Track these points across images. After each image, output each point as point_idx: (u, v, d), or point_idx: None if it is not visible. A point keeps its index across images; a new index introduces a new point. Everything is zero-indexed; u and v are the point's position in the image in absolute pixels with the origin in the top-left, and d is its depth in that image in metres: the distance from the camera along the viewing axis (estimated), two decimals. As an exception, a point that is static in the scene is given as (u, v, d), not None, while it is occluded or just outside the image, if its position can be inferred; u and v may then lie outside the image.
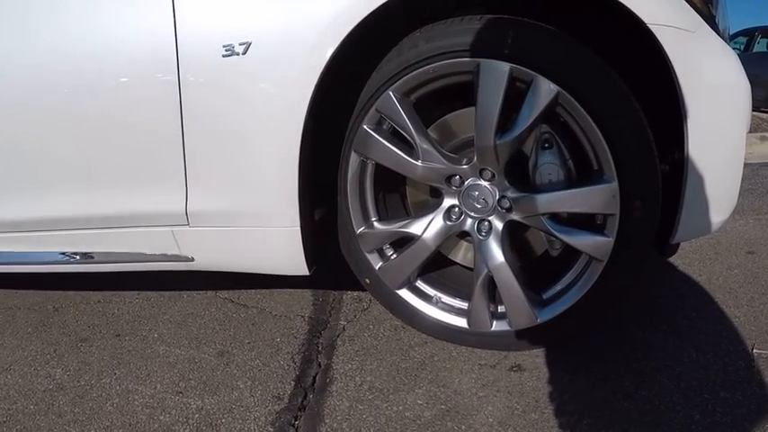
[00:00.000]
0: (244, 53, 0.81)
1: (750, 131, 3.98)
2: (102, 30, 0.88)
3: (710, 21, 0.89)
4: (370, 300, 1.25)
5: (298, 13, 0.80)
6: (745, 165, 2.84)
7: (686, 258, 1.54)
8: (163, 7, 0.83)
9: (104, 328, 1.24)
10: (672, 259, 1.52)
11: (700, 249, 1.63)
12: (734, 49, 4.69)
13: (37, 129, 0.94)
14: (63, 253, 1.05)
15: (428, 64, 0.83)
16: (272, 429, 0.83)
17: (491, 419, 0.83)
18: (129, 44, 0.86)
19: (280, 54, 0.81)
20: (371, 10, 0.78)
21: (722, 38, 0.92)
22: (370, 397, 0.90)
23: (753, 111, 4.21)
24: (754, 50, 6.90)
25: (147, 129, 0.89)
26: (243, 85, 0.83)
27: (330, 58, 0.80)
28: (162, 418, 0.89)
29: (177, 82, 0.85)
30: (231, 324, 1.19)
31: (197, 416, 0.88)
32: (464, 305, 0.99)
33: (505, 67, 0.79)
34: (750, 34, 7.12)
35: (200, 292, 1.38)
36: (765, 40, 6.80)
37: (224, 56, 0.82)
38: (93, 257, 1.03)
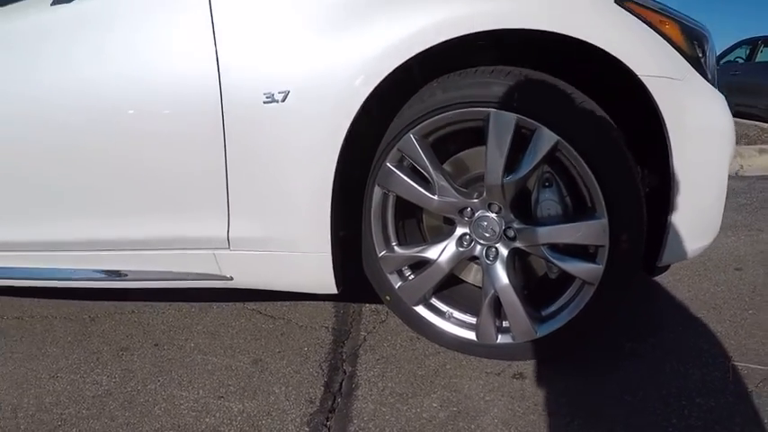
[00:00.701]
0: (283, 100, 0.97)
1: (749, 143, 4.12)
2: (160, 78, 1.03)
3: (697, 64, 1.04)
4: (387, 312, 1.41)
5: (332, 66, 0.96)
6: (743, 178, 3.03)
7: (677, 275, 1.69)
8: (208, 62, 0.98)
9: (142, 338, 1.39)
10: (663, 276, 1.68)
11: (690, 266, 1.78)
12: (736, 59, 4.97)
13: (104, 166, 1.09)
14: (114, 271, 1.20)
15: (444, 112, 0.99)
16: (307, 429, 0.99)
17: (496, 420, 0.98)
18: (180, 91, 1.01)
19: (315, 102, 0.97)
20: (395, 66, 0.94)
21: (709, 77, 1.07)
22: (391, 400, 1.05)
23: (754, 121, 4.44)
24: (756, 60, 7.06)
25: (195, 165, 1.04)
26: (282, 128, 0.99)
27: (360, 107, 0.95)
28: (207, 420, 1.04)
29: (222, 124, 1.00)
30: (261, 334, 1.34)
31: (239, 418, 1.03)
32: (473, 320, 1.14)
33: (512, 117, 0.94)
34: (753, 43, 7.29)
35: (229, 303, 1.53)
36: (768, 48, 6.96)
37: (265, 102, 0.97)
38: (142, 275, 1.18)
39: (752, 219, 2.48)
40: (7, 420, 1.07)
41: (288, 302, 1.49)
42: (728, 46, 7.71)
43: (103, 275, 1.24)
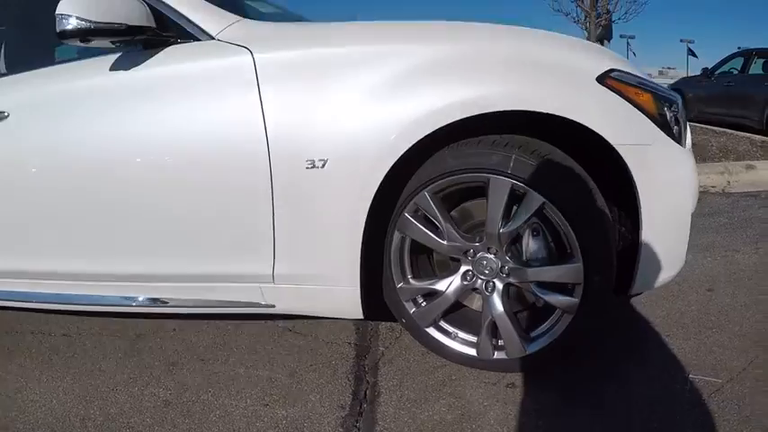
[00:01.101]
0: (322, 167, 1.22)
1: (737, 159, 4.40)
2: (219, 141, 1.28)
3: (667, 128, 1.30)
4: (401, 330, 1.66)
5: (363, 139, 1.21)
6: (728, 194, 3.32)
7: (653, 296, 1.95)
8: (258, 132, 1.23)
9: (188, 354, 1.63)
10: (642, 297, 1.93)
11: (666, 287, 2.03)
12: (731, 69, 5.41)
13: (169, 217, 1.34)
14: (174, 299, 1.46)
15: (453, 175, 1.24)
16: (342, 430, 1.24)
17: (492, 422, 1.24)
18: (236, 156, 1.26)
19: (350, 169, 1.22)
20: (414, 142, 1.19)
21: (678, 137, 1.32)
22: (408, 405, 1.31)
23: (746, 132, 4.78)
24: (750, 71, 7.33)
25: (247, 217, 1.30)
26: (322, 188, 1.24)
27: (384, 176, 1.21)
28: (258, 425, 1.29)
29: (270, 185, 1.25)
30: (294, 350, 1.60)
31: (284, 422, 1.29)
32: (474, 339, 1.40)
33: (508, 183, 1.20)
34: (747, 55, 7.57)
35: (260, 322, 1.79)
36: (762, 60, 7.23)
37: (307, 168, 1.22)
38: (200, 303, 1.43)
39: (730, 239, 2.73)
40: (78, 430, 1.30)
41: (313, 321, 1.74)
42: (724, 57, 7.99)
43: (161, 305, 1.49)
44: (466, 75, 1.20)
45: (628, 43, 20.59)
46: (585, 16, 6.13)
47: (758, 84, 6.84)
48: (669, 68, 40.06)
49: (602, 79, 1.24)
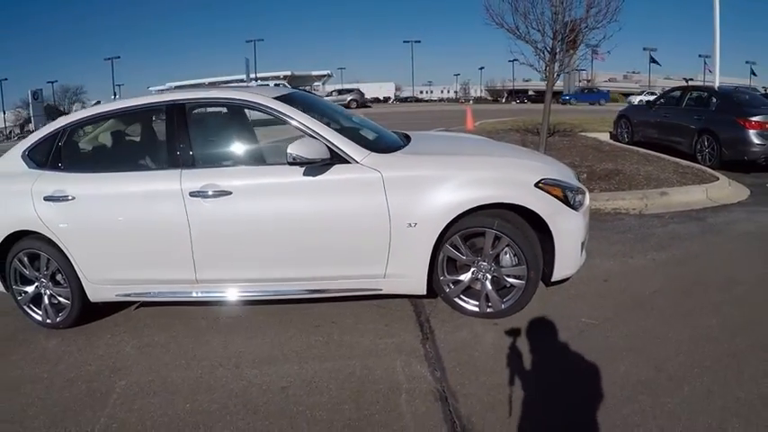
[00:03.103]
0: (414, 226, 2.88)
1: (656, 186, 6.48)
2: (364, 214, 2.90)
3: (567, 203, 3.03)
4: (437, 301, 3.32)
5: (434, 213, 2.86)
6: (641, 216, 5.55)
7: (563, 286, 3.64)
8: (384, 208, 2.87)
9: (324, 320, 3.24)
10: (563, 284, 3.64)
11: (578, 279, 3.74)
12: (669, 101, 8.05)
13: (333, 246, 2.97)
14: (324, 289, 3.08)
15: (469, 228, 2.95)
16: (420, 345, 2.89)
17: (489, 340, 2.93)
18: (373, 218, 2.88)
19: (427, 227, 2.88)
20: (454, 215, 2.87)
21: (575, 206, 3.04)
22: (447, 334, 2.99)
23: (677, 158, 7.47)
24: (683, 105, 9.30)
25: (376, 246, 2.93)
26: (413, 235, 2.89)
27: (442, 228, 2.88)
28: (381, 346, 2.93)
29: (390, 233, 2.90)
30: (383, 313, 3.25)
31: (392, 344, 2.93)
32: (477, 303, 3.10)
33: (493, 232, 2.92)
34: (683, 90, 9.60)
35: (361, 302, 3.41)
36: (695, 95, 9.23)
37: (408, 226, 2.88)
38: (340, 292, 3.06)
39: (630, 249, 4.51)
40: (251, 366, 2.93)
41: (390, 300, 3.39)
42: (665, 90, 9.99)
43: (314, 293, 3.10)
44: (480, 186, 2.92)
45: (593, 51, 22.96)
46: (546, 67, 7.97)
47: (690, 117, 8.82)
48: (633, 73, 43.63)
49: (537, 184, 2.97)
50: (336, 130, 3.07)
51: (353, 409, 2.35)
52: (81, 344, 3.26)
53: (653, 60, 49.85)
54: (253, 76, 47.94)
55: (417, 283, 3.00)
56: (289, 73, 64.42)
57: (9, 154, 3.59)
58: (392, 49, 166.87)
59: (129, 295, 3.33)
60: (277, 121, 3.10)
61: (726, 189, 6.58)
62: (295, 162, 2.82)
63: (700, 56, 51.55)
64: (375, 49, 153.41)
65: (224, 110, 3.66)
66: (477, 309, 3.10)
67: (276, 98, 3.13)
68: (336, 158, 2.91)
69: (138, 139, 3.60)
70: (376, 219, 2.87)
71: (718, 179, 6.79)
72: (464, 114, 16.84)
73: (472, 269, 3.06)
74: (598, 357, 2.70)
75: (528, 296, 3.05)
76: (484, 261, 3.02)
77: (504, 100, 60.87)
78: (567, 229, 3.03)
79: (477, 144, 4.33)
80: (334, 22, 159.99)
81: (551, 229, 2.97)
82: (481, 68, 78.39)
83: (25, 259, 3.38)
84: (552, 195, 2.99)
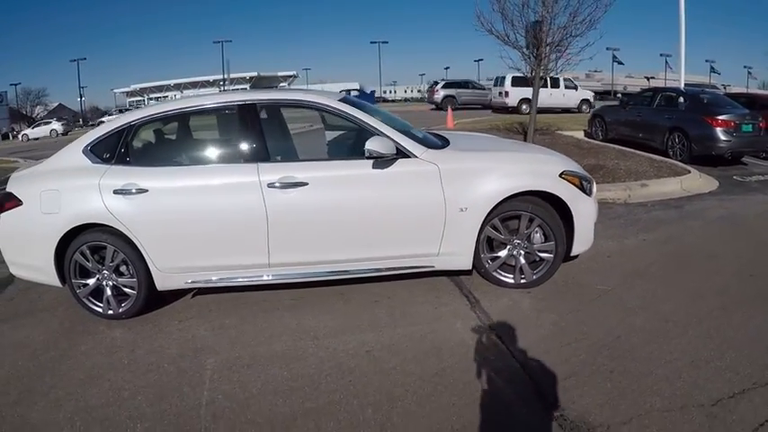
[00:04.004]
0: (465, 210, 3.47)
1: (636, 179, 7.41)
2: (426, 199, 3.44)
3: (583, 190, 3.73)
4: (473, 276, 3.92)
5: (480, 199, 3.46)
6: (627, 205, 6.48)
7: (582, 258, 4.33)
8: (440, 195, 3.44)
9: (384, 295, 3.80)
10: (572, 262, 4.32)
11: (587, 254, 4.43)
12: (642, 102, 9.29)
13: (395, 227, 3.53)
14: (383, 268, 3.63)
15: (507, 212, 3.57)
16: (469, 310, 3.49)
17: (527, 304, 3.57)
18: (431, 204, 3.44)
19: (475, 211, 3.48)
20: (498, 200, 3.49)
21: (588, 193, 3.74)
22: (490, 301, 3.61)
23: (650, 153, 8.59)
24: (655, 105, 10.29)
25: (433, 227, 3.50)
26: (464, 218, 3.47)
27: (487, 212, 3.49)
28: (438, 311, 3.51)
29: (444, 216, 3.47)
30: (433, 286, 3.83)
31: (446, 310, 3.52)
32: (512, 276, 3.73)
33: (528, 215, 3.56)
34: (654, 91, 10.60)
35: (412, 279, 3.96)
36: (665, 96, 10.22)
37: (460, 211, 3.47)
38: (394, 270, 3.62)
39: (621, 232, 5.27)
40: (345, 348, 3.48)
41: (436, 276, 3.96)
42: (638, 91, 10.98)
43: (378, 272, 3.65)
44: (518, 177, 3.56)
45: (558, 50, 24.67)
46: (532, 71, 8.76)
47: (661, 116, 9.78)
48: (596, 72, 45.98)
49: (561, 174, 3.63)
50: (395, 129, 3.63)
51: (437, 362, 2.89)
52: (149, 331, 3.48)
53: (615, 59, 52.14)
54: (225, 76, 47.78)
55: (465, 260, 3.60)
56: (255, 74, 64.09)
57: (67, 150, 3.75)
58: (358, 49, 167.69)
59: (198, 282, 3.59)
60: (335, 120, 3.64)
61: (697, 180, 7.49)
62: (371, 156, 3.34)
63: (661, 54, 54.24)
64: (340, 50, 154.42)
65: (292, 110, 4.07)
66: (512, 280, 3.73)
67: (339, 101, 3.67)
68: (400, 154, 3.45)
69: (209, 135, 4.00)
70: (434, 205, 3.45)
71: (690, 172, 7.70)
72: (425, 115, 17.65)
73: (508, 247, 3.68)
74: (617, 313, 3.38)
75: (555, 268, 3.70)
76: (518, 239, 3.65)
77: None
78: (584, 211, 3.70)
79: (500, 142, 5.02)
80: (299, 23, 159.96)
81: (572, 211, 3.63)
82: (447, 68, 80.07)
83: (88, 252, 3.53)
84: (572, 184, 3.66)
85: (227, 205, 3.45)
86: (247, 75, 63.68)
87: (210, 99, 3.87)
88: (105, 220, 3.46)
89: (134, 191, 3.44)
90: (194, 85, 64.37)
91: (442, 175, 3.44)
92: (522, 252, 3.68)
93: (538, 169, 3.70)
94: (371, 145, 3.33)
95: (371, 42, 72.10)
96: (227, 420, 2.53)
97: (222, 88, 52.66)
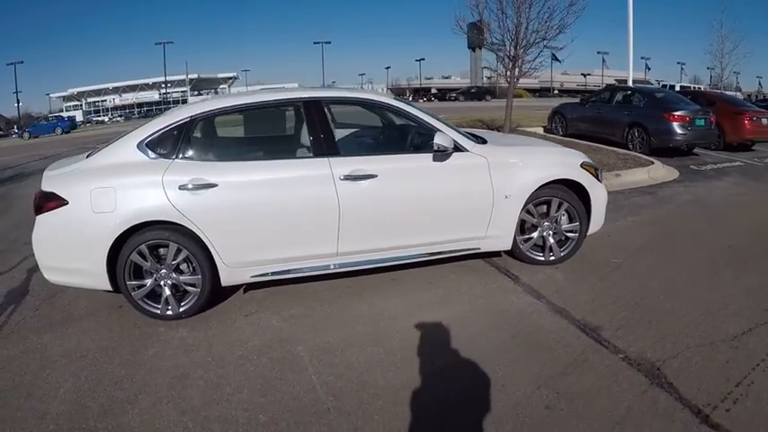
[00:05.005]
0: (509, 197, 4.06)
1: (609, 170, 8.41)
2: (476, 188, 3.99)
3: (598, 177, 4.43)
4: (503, 258, 4.53)
5: (521, 187, 4.07)
6: (608, 193, 7.01)
7: (594, 236, 5.06)
8: (488, 184, 3.99)
9: (438, 276, 4.32)
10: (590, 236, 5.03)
11: (595, 235, 5.16)
12: (601, 98, 10.45)
13: (446, 215, 4.05)
14: (436, 252, 4.16)
15: (540, 198, 4.21)
16: (512, 282, 4.08)
17: (560, 277, 4.22)
18: (481, 194, 3.99)
19: (517, 197, 4.08)
20: (536, 188, 4.11)
21: (600, 180, 4.43)
22: (528, 276, 4.22)
23: (612, 147, 9.71)
24: (614, 101, 11.40)
25: (481, 213, 4.05)
26: (508, 204, 4.06)
27: (526, 199, 4.10)
28: (487, 288, 4.08)
29: (492, 202, 4.04)
30: (476, 268, 4.40)
31: (494, 287, 4.10)
32: (542, 254, 4.39)
33: (557, 200, 4.22)
34: (612, 89, 11.70)
35: (457, 262, 4.50)
36: (623, 93, 11.34)
37: (505, 197, 4.05)
38: (446, 253, 4.15)
39: (612, 215, 6.01)
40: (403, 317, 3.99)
41: (475, 258, 4.52)
42: (598, 89, 12.09)
43: (432, 255, 4.16)
44: (550, 168, 4.22)
45: (554, 57, 27.49)
46: (506, 71, 9.58)
47: (621, 112, 10.88)
48: (533, 69, 49.25)
49: (581, 165, 4.32)
50: None
51: (509, 328, 3.41)
52: (216, 328, 3.53)
53: (554, 58, 55.07)
54: (162, 79, 46.44)
55: (506, 242, 4.19)
56: (195, 76, 62.57)
57: (119, 145, 3.68)
58: (297, 50, 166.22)
59: (265, 275, 3.71)
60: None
61: (661, 170, 8.53)
62: (439, 150, 3.82)
63: (598, 52, 57.73)
64: (280, 51, 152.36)
65: (354, 107, 4.38)
66: (542, 258, 4.36)
67: (398, 101, 4.17)
68: (455, 148, 3.95)
69: (273, 130, 4.30)
70: (484, 193, 4.00)
71: (653, 163, 8.73)
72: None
73: (539, 228, 4.31)
74: (635, 280, 4.10)
75: (578, 246, 4.38)
76: (547, 222, 4.29)
77: (410, 98, 63.96)
78: (599, 196, 4.40)
79: (521, 138, 5.68)
80: (238, 24, 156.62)
81: (591, 196, 4.31)
82: (387, 68, 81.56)
83: (146, 251, 3.49)
84: (589, 173, 4.34)
85: (301, 198, 3.65)
86: (187, 77, 62.03)
87: (273, 95, 4.07)
88: (170, 217, 3.46)
89: (202, 186, 3.48)
90: (133, 88, 62.21)
91: (491, 167, 4.00)
92: (551, 232, 4.33)
93: (564, 161, 4.37)
94: (439, 140, 3.80)
95: (315, 43, 72.50)
96: (350, 397, 2.73)
97: (164, 91, 51.33)
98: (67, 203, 3.43)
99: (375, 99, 4.19)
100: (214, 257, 3.58)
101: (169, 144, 3.60)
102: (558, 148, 4.85)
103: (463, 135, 4.15)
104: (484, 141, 4.35)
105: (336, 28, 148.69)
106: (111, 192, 3.43)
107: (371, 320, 3.57)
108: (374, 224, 3.86)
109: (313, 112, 3.83)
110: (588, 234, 4.49)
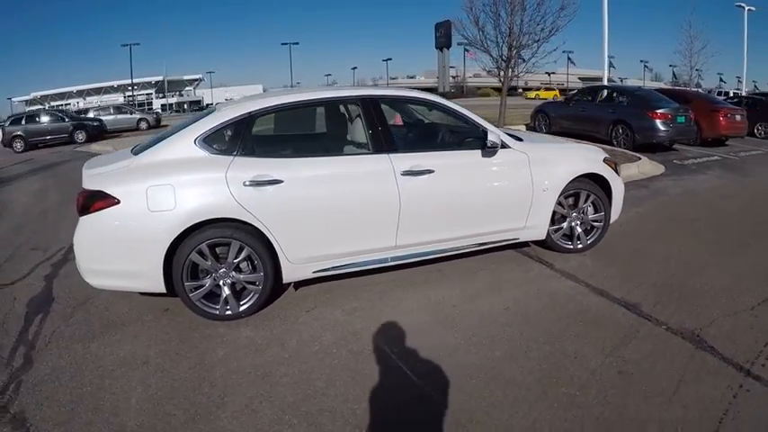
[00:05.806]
0: (546, 190, 4.52)
1: None
2: (517, 182, 4.41)
3: (617, 171, 4.96)
4: (532, 247, 5.00)
5: (556, 180, 4.53)
6: None
7: (614, 224, 5.59)
8: (529, 178, 4.43)
9: (480, 266, 4.75)
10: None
11: (614, 224, 5.70)
12: (585, 98, 11.25)
13: (484, 208, 4.49)
14: (482, 242, 4.58)
15: (570, 191, 4.69)
16: (547, 269, 4.56)
17: (589, 263, 4.72)
18: (522, 187, 4.42)
19: (553, 189, 4.53)
20: (568, 181, 4.59)
21: (619, 174, 4.96)
22: (559, 263, 4.70)
23: (597, 144, 10.23)
24: (598, 100, 12.14)
25: (522, 204, 4.48)
26: (545, 196, 4.50)
27: (560, 192, 4.58)
28: (527, 276, 4.53)
29: (532, 194, 4.47)
30: (514, 257, 4.84)
31: (532, 274, 4.55)
32: (570, 242, 4.88)
33: (586, 192, 4.72)
34: (596, 89, 12.43)
35: (496, 252, 4.94)
36: (606, 92, 12.08)
37: (543, 190, 4.50)
38: (490, 244, 4.58)
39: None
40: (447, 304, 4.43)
41: (515, 246, 4.97)
42: (582, 88, 12.81)
43: (478, 246, 4.58)
44: (579, 163, 4.70)
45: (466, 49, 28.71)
46: (501, 72, 10.14)
47: (605, 110, 11.60)
48: (498, 68, 50.94)
49: (604, 160, 4.85)
50: None
51: (561, 308, 3.84)
52: (280, 326, 3.56)
53: (520, 57, 56.47)
54: (128, 82, 45.35)
55: (542, 232, 4.65)
56: (161, 78, 61.39)
57: (174, 141, 3.63)
58: (263, 51, 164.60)
59: (326, 270, 3.81)
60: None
61: (649, 165, 9.24)
62: (492, 147, 4.20)
63: (564, 51, 59.75)
64: (245, 52, 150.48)
65: (411, 106, 4.72)
66: (570, 246, 4.86)
67: (447, 101, 4.57)
68: (501, 145, 4.34)
69: (332, 127, 4.60)
70: (525, 186, 4.44)
71: (641, 158, 9.44)
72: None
73: (568, 219, 4.80)
74: (656, 263, 4.66)
75: (603, 234, 4.90)
76: (575, 212, 4.78)
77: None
78: (619, 188, 4.94)
79: (547, 137, 6.21)
80: (203, 26, 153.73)
81: (612, 188, 4.84)
82: (354, 68, 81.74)
83: (206, 250, 3.46)
84: (610, 167, 4.86)
85: (364, 193, 3.81)
86: (153, 79, 60.72)
87: (328, 92, 4.37)
88: (234, 214, 3.44)
89: (268, 182, 3.50)
90: (98, 91, 60.59)
91: (531, 162, 4.44)
92: (579, 222, 4.82)
93: (590, 156, 4.88)
94: (492, 137, 4.21)
95: (283, 44, 72.42)
96: (444, 380, 2.91)
97: (129, 94, 50.12)
98: (119, 202, 3.34)
99: (430, 99, 4.55)
100: (278, 254, 3.62)
101: (228, 140, 3.63)
102: (581, 145, 5.35)
103: (506, 133, 4.59)
104: (520, 139, 4.81)
105: (304, 30, 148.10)
106: (170, 189, 3.37)
107: (436, 309, 3.82)
108: (430, 217, 4.16)
109: (371, 109, 3.99)
110: (611, 222, 5.02)
